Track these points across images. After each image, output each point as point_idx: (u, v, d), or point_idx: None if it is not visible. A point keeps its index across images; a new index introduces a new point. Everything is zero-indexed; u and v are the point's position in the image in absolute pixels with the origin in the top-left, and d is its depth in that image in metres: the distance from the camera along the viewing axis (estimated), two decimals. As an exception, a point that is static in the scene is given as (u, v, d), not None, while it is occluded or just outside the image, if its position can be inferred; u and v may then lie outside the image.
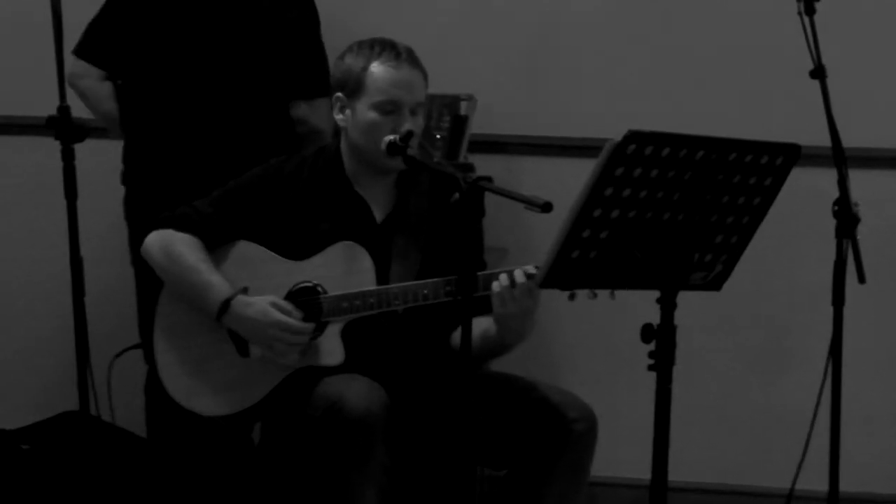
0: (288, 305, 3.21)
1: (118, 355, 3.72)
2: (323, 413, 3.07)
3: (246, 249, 3.30)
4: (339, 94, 3.30)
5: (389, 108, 3.23)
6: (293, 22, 3.90)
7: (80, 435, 3.77)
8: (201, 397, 3.29)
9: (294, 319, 3.19)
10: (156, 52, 3.89)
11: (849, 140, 3.40)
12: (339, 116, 3.32)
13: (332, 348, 3.21)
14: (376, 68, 3.25)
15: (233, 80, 3.86)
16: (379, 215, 3.34)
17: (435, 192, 3.35)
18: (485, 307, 3.14)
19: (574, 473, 3.18)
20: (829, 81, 3.37)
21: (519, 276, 3.09)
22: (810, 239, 3.93)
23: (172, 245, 3.29)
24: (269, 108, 3.90)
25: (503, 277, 3.10)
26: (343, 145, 3.35)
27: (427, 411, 3.27)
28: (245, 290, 3.23)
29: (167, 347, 3.32)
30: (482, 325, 3.17)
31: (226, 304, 3.21)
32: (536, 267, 3.00)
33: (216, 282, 3.23)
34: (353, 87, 3.27)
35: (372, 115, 3.24)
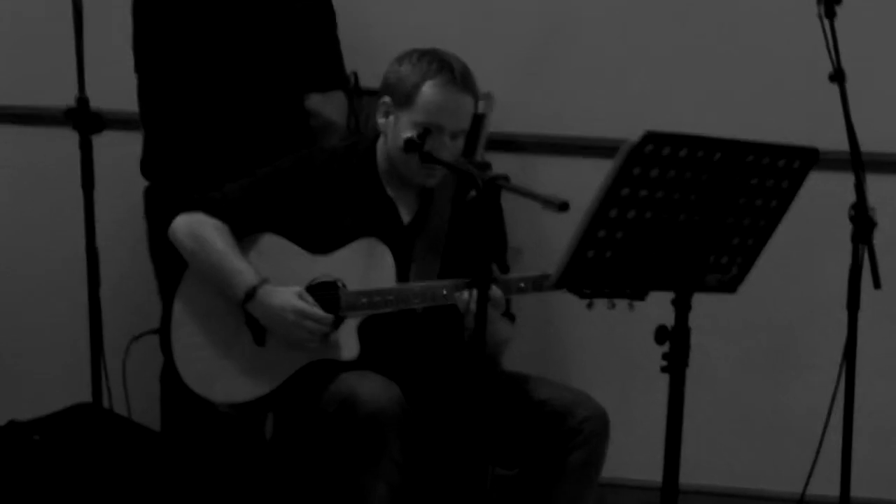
0: (311, 299, 3.21)
1: (136, 338, 3.71)
2: (337, 409, 3.08)
3: (269, 241, 3.31)
4: (387, 98, 3.30)
5: (432, 129, 3.23)
6: (306, 14, 3.90)
7: (93, 427, 3.77)
8: (215, 384, 3.30)
9: (317, 309, 3.19)
10: (172, 47, 3.90)
11: (867, 144, 3.39)
12: (381, 120, 3.32)
13: (347, 343, 3.22)
14: (428, 88, 3.24)
15: (247, 72, 3.87)
16: (406, 217, 3.35)
17: (458, 196, 3.36)
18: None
19: (585, 473, 3.18)
20: (848, 85, 3.36)
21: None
22: (826, 243, 3.92)
23: (202, 229, 3.30)
24: (283, 100, 3.90)
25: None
26: (380, 146, 3.35)
27: (441, 410, 3.27)
28: (267, 281, 3.24)
29: (184, 333, 3.34)
30: None
31: (252, 291, 3.22)
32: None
33: (244, 268, 3.24)
34: (402, 98, 3.26)
35: (411, 130, 3.24)
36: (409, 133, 3.23)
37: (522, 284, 3.20)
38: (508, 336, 3.32)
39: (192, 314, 3.34)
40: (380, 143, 3.36)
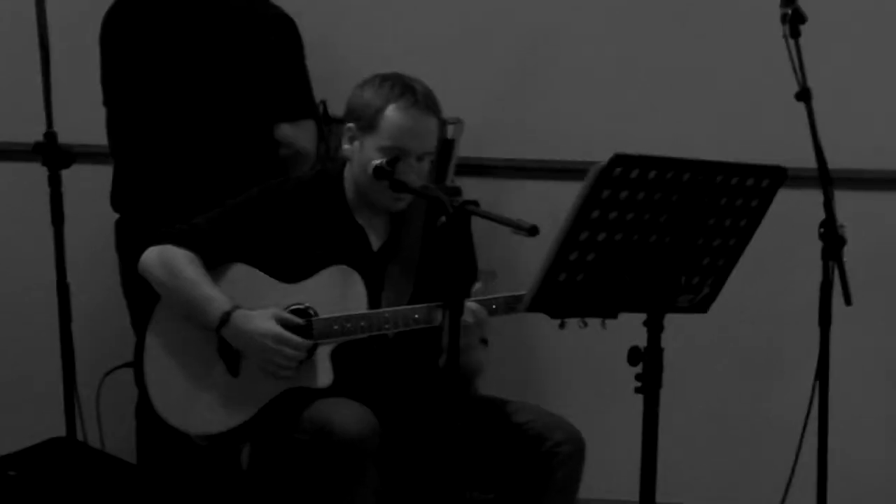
0: (289, 316, 3.21)
1: (108, 373, 3.71)
2: (312, 437, 3.07)
3: (239, 271, 3.31)
4: (352, 124, 3.30)
5: (396, 154, 3.23)
6: (275, 45, 3.90)
7: (68, 461, 3.75)
8: (190, 416, 3.29)
9: (294, 335, 3.19)
10: (141, 79, 3.90)
11: (835, 161, 3.41)
12: (346, 146, 3.33)
13: (321, 370, 3.22)
14: (391, 112, 3.24)
15: (217, 103, 3.87)
16: (375, 244, 3.35)
17: (428, 221, 3.36)
18: None
19: (562, 495, 3.18)
20: (815, 103, 3.38)
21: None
22: (797, 260, 3.94)
23: (172, 259, 3.29)
24: (253, 130, 3.91)
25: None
26: (347, 173, 3.35)
27: (416, 435, 3.26)
28: (240, 307, 3.23)
29: (157, 366, 3.32)
30: None
31: (226, 317, 3.21)
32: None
33: (216, 295, 3.24)
34: (366, 123, 3.27)
35: (377, 156, 3.24)
36: (375, 158, 3.23)
37: (494, 306, 3.20)
38: (482, 361, 3.32)
39: (164, 347, 3.32)
40: (347, 170, 3.36)
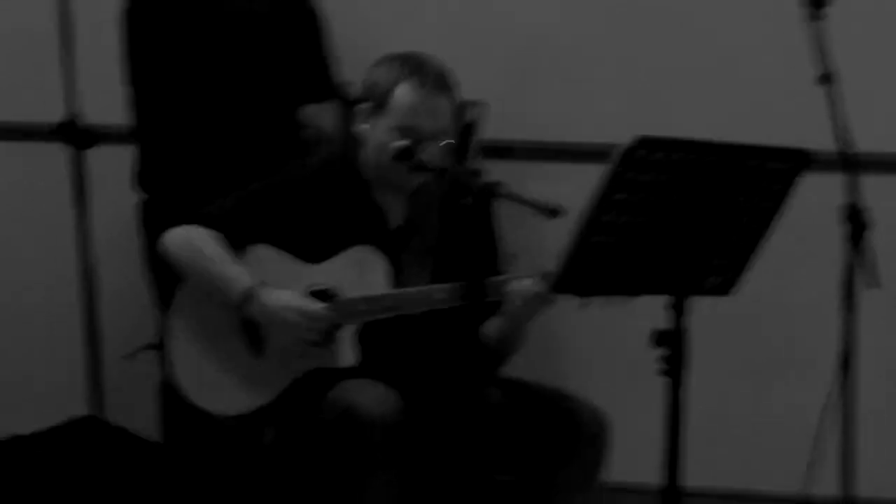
0: (311, 300, 3.22)
1: (131, 355, 3.72)
2: (336, 418, 3.08)
3: (262, 252, 3.31)
4: (365, 105, 3.31)
5: (408, 134, 3.23)
6: (299, 25, 3.91)
7: (94, 440, 3.77)
8: (214, 397, 3.30)
9: (317, 306, 3.20)
10: (166, 61, 3.91)
11: (859, 145, 3.40)
12: (361, 126, 3.32)
13: (345, 350, 3.22)
14: (401, 91, 3.24)
15: (242, 84, 3.88)
16: (394, 222, 3.35)
17: (447, 198, 3.36)
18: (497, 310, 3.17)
19: (586, 478, 3.19)
20: (838, 86, 3.36)
21: (533, 285, 3.10)
22: (820, 244, 3.93)
23: (194, 239, 3.29)
24: (278, 111, 3.92)
25: (521, 285, 3.11)
26: (363, 153, 3.36)
27: (440, 415, 3.27)
28: (264, 284, 3.24)
29: (182, 348, 3.34)
30: (493, 325, 3.19)
31: (250, 292, 3.22)
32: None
33: (239, 273, 3.24)
34: (378, 103, 3.27)
35: (388, 136, 3.24)
36: (387, 138, 3.23)
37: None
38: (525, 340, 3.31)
39: (188, 328, 3.34)
40: (363, 151, 3.36)
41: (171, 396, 3.42)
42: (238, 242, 3.32)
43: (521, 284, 3.13)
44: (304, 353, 3.22)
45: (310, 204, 3.32)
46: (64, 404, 4.11)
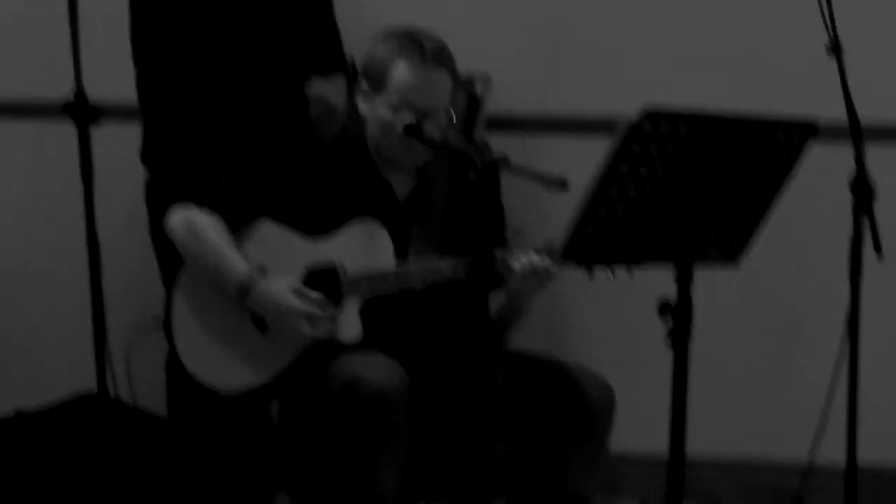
0: (308, 291, 3.22)
1: (139, 334, 3.73)
2: (341, 390, 3.08)
3: (266, 229, 3.31)
4: (364, 83, 3.30)
5: (407, 111, 3.22)
6: (304, 1, 3.90)
7: (99, 415, 3.78)
8: (219, 373, 3.31)
9: (314, 306, 3.19)
10: (172, 37, 3.90)
11: (866, 115, 3.39)
12: (361, 105, 3.32)
13: (350, 325, 3.22)
14: (398, 69, 3.23)
15: (249, 59, 3.87)
16: (401, 195, 3.35)
17: (454, 173, 3.36)
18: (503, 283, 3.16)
19: (593, 449, 3.19)
20: (846, 55, 3.36)
21: (541, 260, 3.09)
22: (827, 214, 3.93)
23: (195, 223, 3.30)
24: (285, 86, 3.91)
25: (525, 259, 3.11)
26: (367, 130, 3.35)
27: (446, 389, 3.28)
28: (262, 270, 3.24)
29: (185, 324, 3.34)
30: (497, 299, 3.19)
31: (245, 286, 3.22)
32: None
33: (238, 263, 3.24)
34: (376, 81, 3.26)
35: (389, 114, 3.24)
36: (387, 116, 3.23)
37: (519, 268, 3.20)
38: (530, 311, 3.31)
39: (191, 305, 3.34)
40: (366, 127, 3.36)
41: (176, 372, 3.43)
42: (242, 221, 3.32)
43: (525, 258, 3.12)
44: (306, 341, 3.23)
45: (315, 178, 3.32)
46: (70, 380, 4.12)
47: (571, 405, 3.17)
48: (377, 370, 3.08)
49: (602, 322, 4.38)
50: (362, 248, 3.24)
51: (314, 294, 3.21)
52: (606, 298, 4.24)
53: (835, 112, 3.33)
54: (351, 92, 3.98)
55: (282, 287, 3.21)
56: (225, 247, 3.26)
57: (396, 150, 3.27)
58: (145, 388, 4.14)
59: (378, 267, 3.21)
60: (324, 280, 3.24)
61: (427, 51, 3.23)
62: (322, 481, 3.29)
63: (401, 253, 3.26)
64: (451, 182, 3.36)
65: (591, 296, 4.26)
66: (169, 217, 3.34)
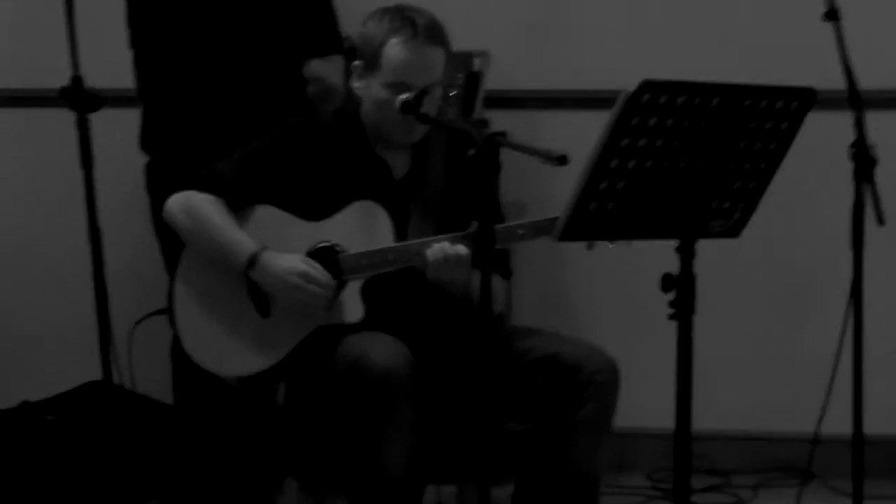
0: (314, 263, 3.22)
1: (139, 322, 3.73)
2: (346, 371, 3.08)
3: (265, 212, 3.31)
4: (358, 62, 3.30)
5: (402, 89, 3.22)
6: None
7: (105, 404, 3.78)
8: (223, 359, 3.31)
9: (321, 272, 3.19)
10: (169, 20, 3.90)
11: (865, 82, 3.38)
12: (356, 84, 3.32)
13: (352, 306, 3.22)
14: (391, 47, 3.23)
15: (246, 41, 3.87)
16: (398, 174, 3.35)
17: (451, 150, 3.36)
18: (500, 261, 3.15)
19: (597, 424, 3.19)
20: (843, 22, 3.35)
21: (452, 248, 3.10)
22: (828, 183, 3.92)
23: (196, 206, 3.30)
24: (283, 68, 3.91)
25: (437, 248, 3.10)
26: (362, 110, 3.35)
27: (450, 367, 3.28)
28: (267, 248, 3.24)
29: (188, 311, 3.34)
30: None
31: (254, 258, 3.22)
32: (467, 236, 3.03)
33: (242, 238, 3.25)
34: (370, 60, 3.26)
35: (384, 93, 3.24)
36: (382, 94, 3.23)
37: (521, 232, 3.19)
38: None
39: (193, 291, 3.34)
40: (362, 107, 3.35)
41: (181, 359, 3.43)
42: (240, 204, 3.32)
43: (437, 247, 3.12)
44: (311, 315, 3.23)
45: (312, 160, 3.32)
46: (76, 369, 4.12)
47: (575, 380, 3.17)
48: (382, 350, 3.08)
49: (607, 297, 4.38)
50: (361, 229, 3.24)
51: (319, 266, 3.21)
52: (611, 273, 4.24)
53: (834, 80, 3.32)
54: (348, 72, 3.98)
55: (289, 256, 3.21)
56: (228, 224, 3.27)
57: (393, 127, 3.27)
58: (150, 377, 4.14)
59: (377, 245, 3.21)
60: (324, 261, 3.24)
61: (419, 27, 3.22)
62: (329, 463, 3.29)
63: (400, 231, 3.25)
64: (448, 159, 3.36)
65: (594, 271, 4.25)
66: (168, 203, 3.34)
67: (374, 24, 3.27)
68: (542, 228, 3.16)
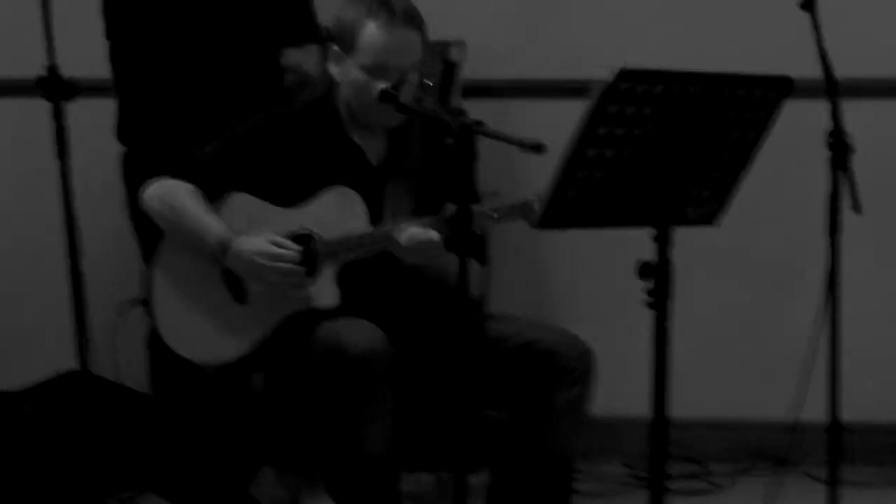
0: (285, 241, 3.21)
1: (121, 314, 3.73)
2: (323, 357, 3.09)
3: (240, 200, 3.31)
4: (335, 46, 3.29)
5: (379, 72, 3.22)
6: None
7: (83, 394, 3.78)
8: (200, 346, 3.31)
9: (288, 251, 3.19)
10: (144, 10, 3.88)
11: (840, 70, 3.39)
12: (333, 69, 3.32)
13: (327, 291, 3.22)
14: (368, 29, 3.23)
15: (222, 32, 3.86)
16: (374, 160, 3.35)
17: (427, 137, 3.36)
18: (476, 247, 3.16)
19: (574, 411, 3.20)
20: (819, 11, 3.35)
21: (425, 233, 3.11)
22: (805, 171, 3.93)
23: (171, 193, 3.30)
24: (260, 58, 3.90)
25: (410, 232, 3.11)
26: (337, 95, 3.35)
27: (428, 354, 3.28)
28: (240, 233, 3.24)
29: (165, 300, 3.34)
30: None
31: (224, 245, 3.22)
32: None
33: (213, 224, 3.25)
34: (347, 43, 3.26)
35: (361, 75, 3.23)
36: (360, 77, 3.22)
37: (495, 215, 3.19)
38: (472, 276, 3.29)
39: (171, 280, 3.34)
40: (338, 93, 3.35)
41: (158, 348, 3.43)
42: (216, 192, 3.31)
43: (410, 232, 3.13)
44: (285, 296, 3.22)
45: (288, 147, 3.32)
46: (52, 359, 4.11)
47: (551, 368, 3.18)
48: (359, 335, 3.08)
49: (583, 283, 4.38)
50: (336, 215, 3.24)
51: (291, 245, 3.20)
52: (588, 259, 4.24)
53: (810, 67, 3.33)
54: (325, 61, 3.98)
55: (259, 238, 3.21)
56: (202, 211, 3.26)
57: (370, 112, 3.27)
58: (127, 366, 4.13)
59: (352, 231, 3.21)
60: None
61: (396, 10, 3.23)
62: (308, 449, 3.29)
63: (375, 217, 3.26)
64: (425, 145, 3.36)
65: (572, 256, 4.26)
66: (144, 192, 3.34)
67: (350, 7, 3.27)
68: (515, 211, 3.16)
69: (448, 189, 2.99)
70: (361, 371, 3.03)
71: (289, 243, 3.21)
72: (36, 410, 3.97)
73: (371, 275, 3.26)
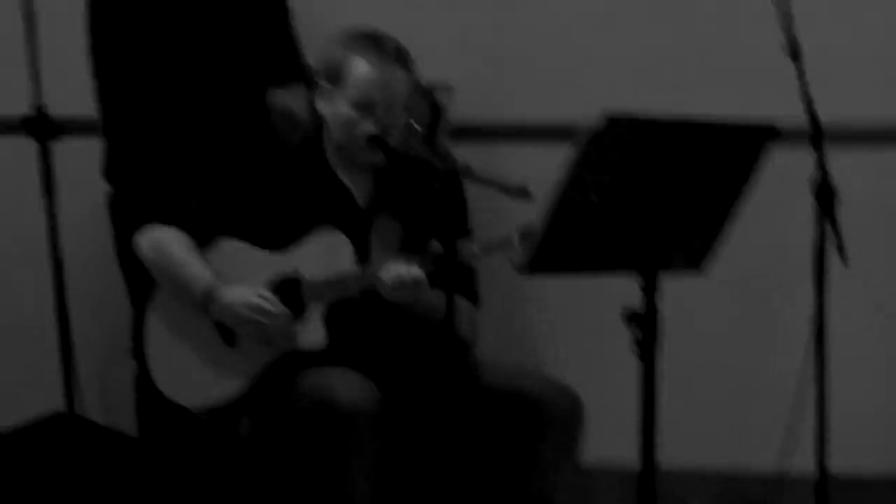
0: (267, 293, 3.20)
1: (112, 363, 3.72)
2: (314, 408, 3.07)
3: (227, 247, 3.31)
4: (323, 83, 3.30)
5: (367, 108, 3.22)
6: (263, 10, 3.90)
7: (69, 436, 3.76)
8: (190, 390, 3.30)
9: (271, 303, 3.18)
10: (132, 51, 3.89)
11: (825, 116, 3.39)
12: (321, 105, 3.32)
13: (314, 332, 3.22)
14: (357, 65, 3.23)
15: (208, 72, 3.86)
16: (361, 201, 3.34)
17: (417, 182, 3.35)
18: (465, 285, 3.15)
19: (562, 460, 3.19)
20: (804, 57, 3.35)
21: (408, 271, 3.10)
22: (791, 218, 3.92)
23: (160, 241, 3.31)
24: (246, 98, 3.90)
25: (394, 270, 3.09)
26: (325, 133, 3.35)
27: (417, 399, 3.26)
28: (225, 283, 3.23)
29: (158, 343, 3.34)
30: None
31: (209, 294, 3.21)
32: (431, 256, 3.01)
33: (199, 274, 3.25)
34: (334, 79, 3.26)
35: (349, 111, 3.24)
36: (348, 113, 3.23)
37: (475, 250, 3.15)
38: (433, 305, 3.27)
39: (164, 323, 3.34)
40: (325, 131, 3.35)
41: (146, 391, 3.41)
42: (206, 239, 3.31)
43: (394, 270, 3.11)
44: (271, 342, 3.22)
45: (277, 193, 3.32)
46: (38, 400, 4.09)
47: (538, 416, 3.16)
48: (349, 387, 3.07)
49: (570, 330, 4.36)
50: (323, 257, 3.24)
51: (272, 297, 3.19)
52: (575, 306, 4.22)
53: (796, 115, 3.33)
54: (311, 101, 3.98)
55: (243, 289, 3.20)
56: (190, 259, 3.26)
57: (358, 149, 3.27)
58: (115, 409, 4.12)
59: (339, 272, 3.20)
60: (286, 290, 3.24)
61: (386, 48, 3.23)
62: (293, 496, 3.27)
63: (362, 257, 3.25)
64: (412, 187, 3.35)
65: (558, 302, 4.24)
66: (137, 239, 3.34)
67: (338, 44, 3.28)
68: (495, 246, 3.13)
69: (436, 226, 2.99)
70: (349, 427, 3.03)
71: (272, 297, 3.20)
72: (22, 452, 3.95)
73: (359, 315, 3.26)
